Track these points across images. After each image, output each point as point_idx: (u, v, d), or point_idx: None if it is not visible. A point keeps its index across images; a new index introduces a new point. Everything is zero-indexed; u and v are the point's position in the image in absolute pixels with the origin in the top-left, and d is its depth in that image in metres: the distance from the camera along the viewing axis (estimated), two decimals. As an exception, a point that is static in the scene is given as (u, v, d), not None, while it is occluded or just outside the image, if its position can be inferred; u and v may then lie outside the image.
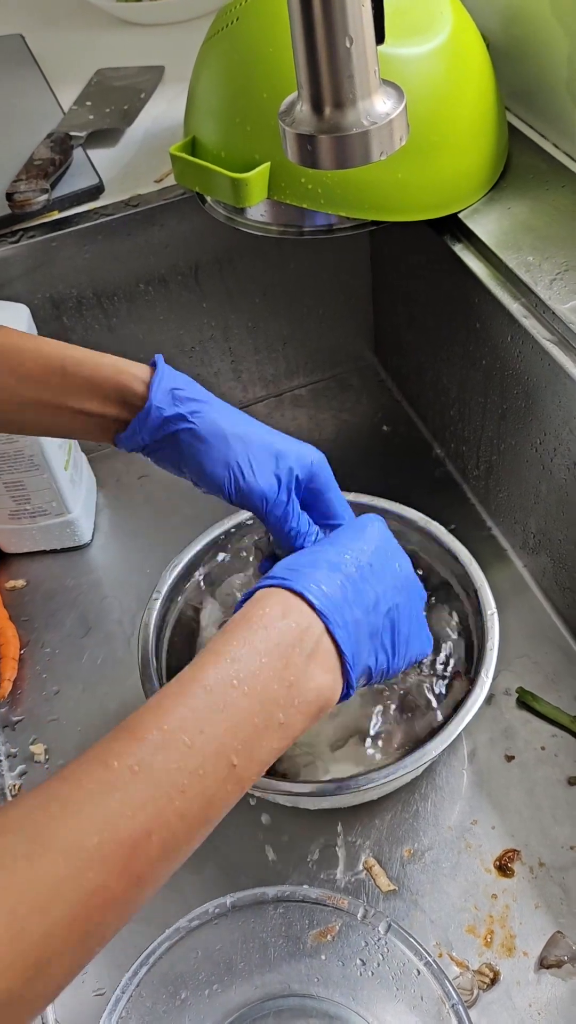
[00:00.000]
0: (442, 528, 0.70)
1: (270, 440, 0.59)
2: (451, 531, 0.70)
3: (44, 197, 0.79)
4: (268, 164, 0.68)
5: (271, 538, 0.62)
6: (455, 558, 0.69)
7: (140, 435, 0.57)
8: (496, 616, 0.65)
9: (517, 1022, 0.58)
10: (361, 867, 0.65)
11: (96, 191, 0.84)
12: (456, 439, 0.88)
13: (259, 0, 0.68)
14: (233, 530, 0.73)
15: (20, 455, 0.78)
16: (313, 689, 0.46)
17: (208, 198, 0.76)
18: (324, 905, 0.55)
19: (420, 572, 0.63)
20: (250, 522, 0.73)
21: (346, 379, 1.02)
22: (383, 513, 0.68)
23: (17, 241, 0.80)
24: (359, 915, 0.54)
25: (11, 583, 0.86)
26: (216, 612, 0.71)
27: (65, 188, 0.83)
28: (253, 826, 0.68)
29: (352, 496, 0.68)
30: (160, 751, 0.41)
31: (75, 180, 0.84)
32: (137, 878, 0.39)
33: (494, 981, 0.59)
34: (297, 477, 0.59)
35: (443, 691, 0.66)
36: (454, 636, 0.68)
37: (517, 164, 0.77)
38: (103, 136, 0.90)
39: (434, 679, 0.66)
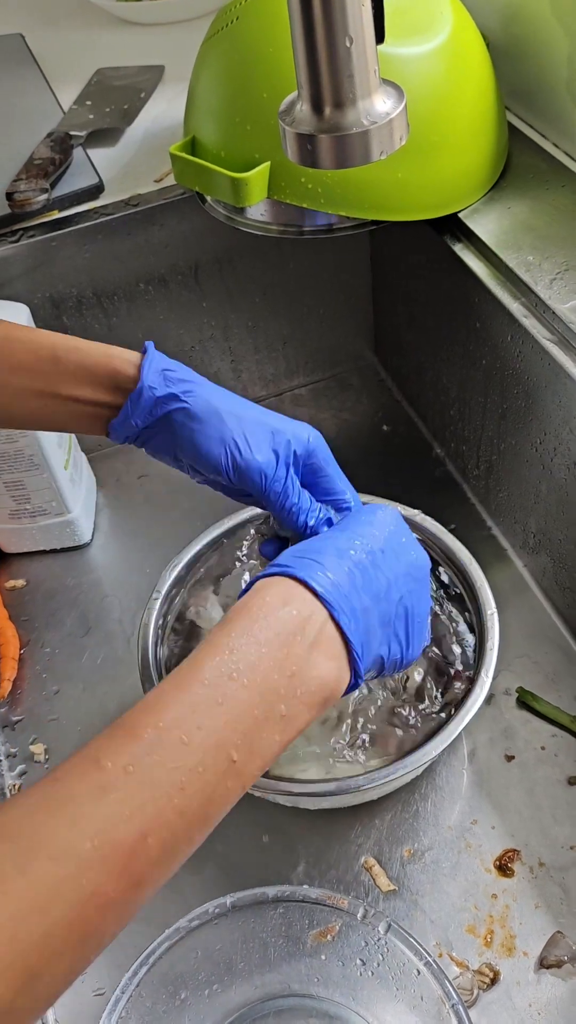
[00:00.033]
0: (442, 528, 0.70)
1: (265, 418, 0.58)
2: (451, 531, 0.70)
3: (44, 196, 0.79)
4: (268, 164, 0.68)
5: (271, 521, 0.61)
6: (455, 558, 0.69)
7: (133, 418, 0.57)
8: (496, 616, 0.65)
9: (517, 1022, 0.58)
10: (361, 867, 0.65)
11: (96, 191, 0.84)
12: (456, 439, 0.88)
13: (259, 0, 0.68)
14: (233, 529, 0.73)
15: (20, 454, 0.78)
16: (316, 678, 0.45)
17: (208, 198, 0.76)
18: (324, 905, 0.55)
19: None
20: (250, 521, 0.73)
21: (346, 379, 1.02)
22: None
23: (17, 241, 0.80)
24: (359, 915, 0.54)
25: (11, 583, 0.86)
26: (216, 611, 0.71)
27: (65, 188, 0.83)
28: (253, 826, 0.68)
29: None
30: (155, 749, 0.40)
31: (75, 180, 0.84)
32: (135, 881, 0.38)
33: (494, 981, 0.59)
34: (295, 453, 0.58)
35: (443, 691, 0.66)
36: (454, 636, 0.68)
37: (517, 164, 0.77)
38: (103, 136, 0.90)
39: (434, 679, 0.66)
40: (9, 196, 0.79)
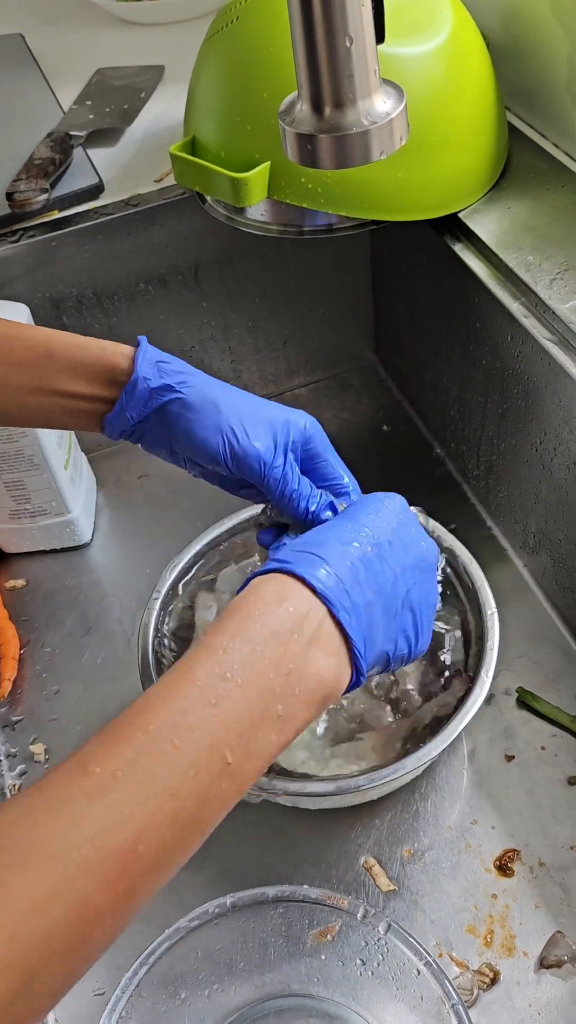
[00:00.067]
0: (442, 527, 0.70)
1: (261, 406, 0.58)
2: (451, 531, 0.70)
3: (44, 196, 0.79)
4: (268, 164, 0.68)
5: (268, 510, 0.61)
6: (455, 558, 0.69)
7: (128, 411, 0.56)
8: (496, 616, 0.65)
9: (517, 1022, 0.58)
10: (361, 867, 0.65)
11: (96, 191, 0.84)
12: (456, 439, 0.88)
13: (259, 0, 0.68)
14: (233, 530, 0.73)
15: (20, 454, 0.78)
16: (315, 676, 0.44)
17: (208, 198, 0.76)
18: (324, 905, 0.55)
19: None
20: (250, 520, 0.73)
21: (346, 379, 1.02)
22: None
23: (17, 241, 0.80)
24: (359, 915, 0.54)
25: (11, 583, 0.86)
26: (216, 611, 0.71)
27: (65, 188, 0.83)
28: (253, 826, 0.68)
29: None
30: (145, 752, 0.38)
31: (75, 180, 0.84)
32: (126, 891, 0.36)
33: (494, 981, 0.59)
34: (293, 439, 0.57)
35: (443, 691, 0.65)
36: (454, 636, 0.68)
37: (517, 164, 0.77)
38: (103, 136, 0.90)
39: (434, 679, 0.66)
40: (9, 196, 0.79)
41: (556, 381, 0.66)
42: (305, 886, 0.56)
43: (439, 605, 0.68)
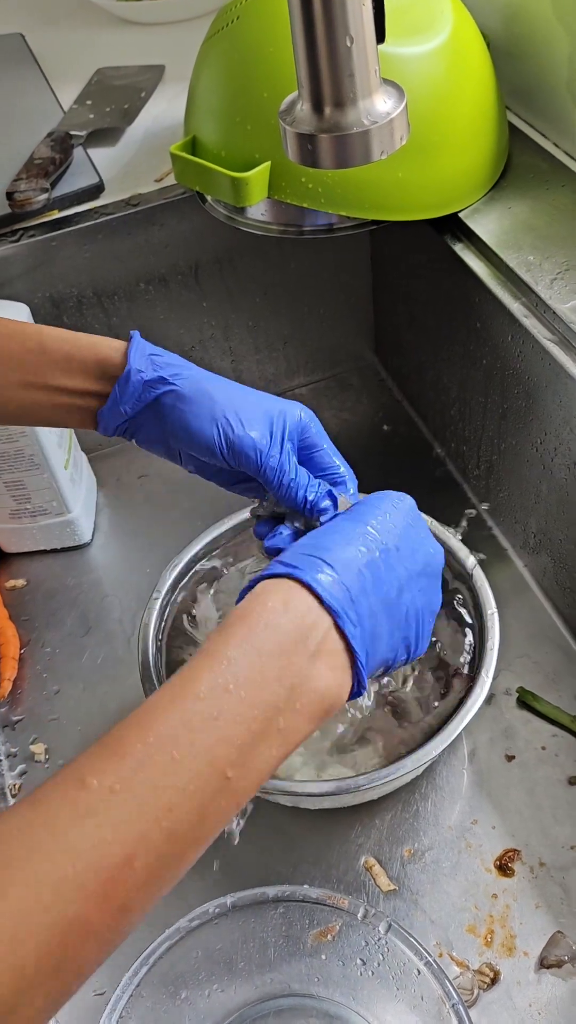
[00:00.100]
0: (442, 527, 0.70)
1: (256, 396, 0.57)
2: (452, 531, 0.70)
3: (44, 196, 0.79)
4: (268, 163, 0.68)
5: (265, 502, 0.60)
6: (455, 557, 0.69)
7: (122, 405, 0.56)
8: (496, 616, 0.65)
9: (517, 1022, 0.58)
10: (361, 867, 0.65)
11: (96, 190, 0.84)
12: (456, 439, 0.88)
13: (259, 0, 0.68)
14: (234, 529, 0.73)
15: (20, 454, 0.78)
16: (317, 690, 0.43)
17: (208, 197, 0.76)
18: (324, 905, 0.55)
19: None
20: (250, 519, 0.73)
21: (346, 379, 1.02)
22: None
23: (17, 240, 0.80)
24: (359, 915, 0.54)
25: (11, 582, 0.86)
26: (215, 611, 0.71)
27: (65, 187, 0.83)
28: (253, 826, 0.67)
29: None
30: (143, 767, 0.38)
31: (75, 179, 0.84)
32: (119, 907, 0.36)
33: (494, 981, 0.59)
34: (289, 429, 0.57)
35: (443, 691, 0.66)
36: (454, 636, 0.68)
37: (517, 163, 0.77)
38: (103, 135, 0.90)
39: (434, 679, 0.66)
40: (9, 196, 0.79)
41: (556, 381, 0.66)
42: (305, 886, 0.56)
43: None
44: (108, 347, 0.57)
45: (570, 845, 0.65)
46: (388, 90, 0.43)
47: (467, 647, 0.67)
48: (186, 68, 0.75)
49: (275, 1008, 0.58)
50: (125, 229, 0.83)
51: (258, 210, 0.73)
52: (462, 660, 0.66)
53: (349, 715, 0.65)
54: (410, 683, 0.66)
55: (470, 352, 0.79)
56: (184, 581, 0.72)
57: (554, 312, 0.65)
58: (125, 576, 0.86)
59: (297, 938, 0.57)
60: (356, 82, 0.41)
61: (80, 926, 0.34)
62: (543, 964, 0.60)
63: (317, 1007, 0.58)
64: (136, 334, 0.58)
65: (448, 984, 0.51)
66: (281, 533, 0.58)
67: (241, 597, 0.47)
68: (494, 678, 0.62)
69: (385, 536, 0.49)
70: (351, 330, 1.01)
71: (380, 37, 0.41)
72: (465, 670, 0.66)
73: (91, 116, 0.91)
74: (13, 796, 0.71)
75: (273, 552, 0.58)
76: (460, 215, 0.73)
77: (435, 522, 0.70)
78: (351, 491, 0.59)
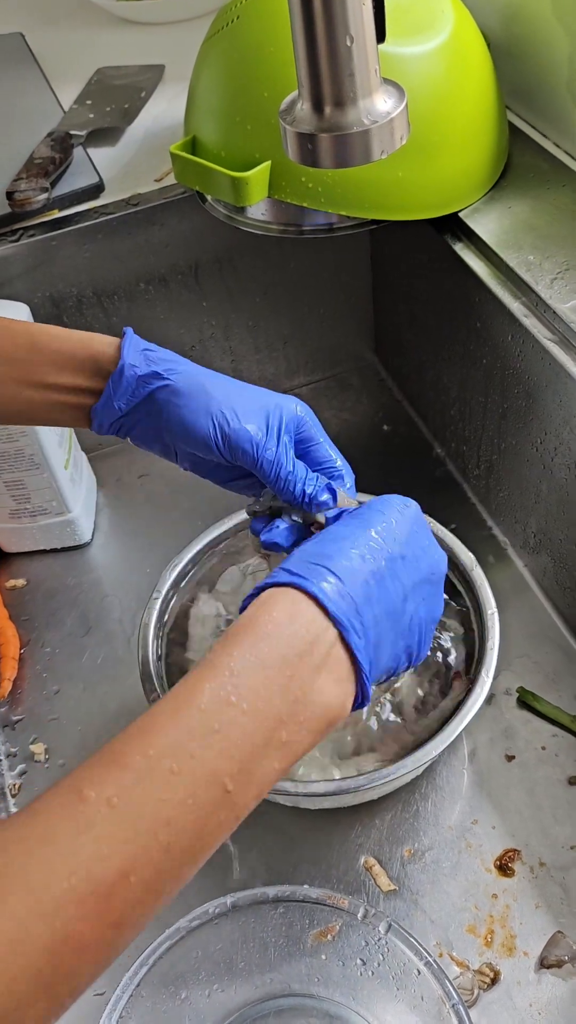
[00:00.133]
0: (442, 527, 0.70)
1: (251, 390, 0.57)
2: (451, 531, 0.70)
3: (44, 196, 0.79)
4: (268, 163, 0.68)
5: (262, 498, 0.60)
6: (455, 557, 0.69)
7: (116, 400, 0.55)
8: (496, 616, 0.65)
9: (518, 1022, 0.58)
10: (361, 867, 0.65)
11: (96, 190, 0.84)
12: (457, 438, 0.88)
13: (259, -1, 0.68)
14: (234, 529, 0.73)
15: (20, 454, 0.78)
16: (321, 704, 0.43)
17: (208, 197, 0.76)
18: (324, 905, 0.55)
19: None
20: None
21: (346, 378, 1.02)
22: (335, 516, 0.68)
23: (17, 240, 0.80)
24: (359, 915, 0.54)
25: (11, 582, 0.86)
26: (216, 611, 0.71)
27: (65, 187, 0.83)
28: (253, 826, 0.67)
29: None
30: (143, 779, 0.37)
31: (75, 179, 0.84)
32: (114, 923, 0.35)
33: (494, 981, 0.59)
34: (285, 422, 0.56)
35: (443, 691, 0.65)
36: (454, 636, 0.68)
37: (518, 163, 0.77)
38: (103, 135, 0.90)
39: (434, 679, 0.66)
40: (9, 195, 0.79)
41: (557, 381, 0.66)
42: (305, 886, 0.56)
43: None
44: (101, 343, 0.56)
45: (570, 845, 0.65)
46: (388, 90, 0.43)
47: (467, 647, 0.67)
48: (186, 68, 0.75)
49: (275, 1008, 0.58)
50: (125, 229, 0.83)
51: (258, 210, 0.73)
52: (462, 660, 0.66)
53: (353, 727, 0.65)
54: (411, 683, 0.66)
55: (470, 352, 0.79)
56: (184, 581, 0.72)
57: (554, 312, 0.65)
58: (125, 576, 0.86)
59: (297, 938, 0.57)
60: (356, 82, 0.41)
61: (75, 942, 0.34)
62: (543, 964, 0.60)
63: (317, 1007, 0.58)
64: (129, 330, 0.57)
65: (448, 984, 0.51)
66: (278, 527, 0.58)
67: (245, 604, 0.46)
68: (494, 678, 0.62)
69: (391, 544, 0.49)
70: (351, 330, 1.01)
71: (380, 37, 0.41)
72: (466, 670, 0.66)
73: (91, 116, 0.91)
74: (13, 796, 0.71)
75: (270, 546, 0.58)
76: (460, 215, 0.73)
77: (433, 521, 0.70)
78: (348, 485, 0.59)
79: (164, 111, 0.94)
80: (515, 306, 0.69)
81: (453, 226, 0.74)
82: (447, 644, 0.67)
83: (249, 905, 0.55)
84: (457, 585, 0.69)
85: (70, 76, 0.98)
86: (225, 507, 0.73)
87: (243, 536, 0.74)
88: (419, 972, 0.52)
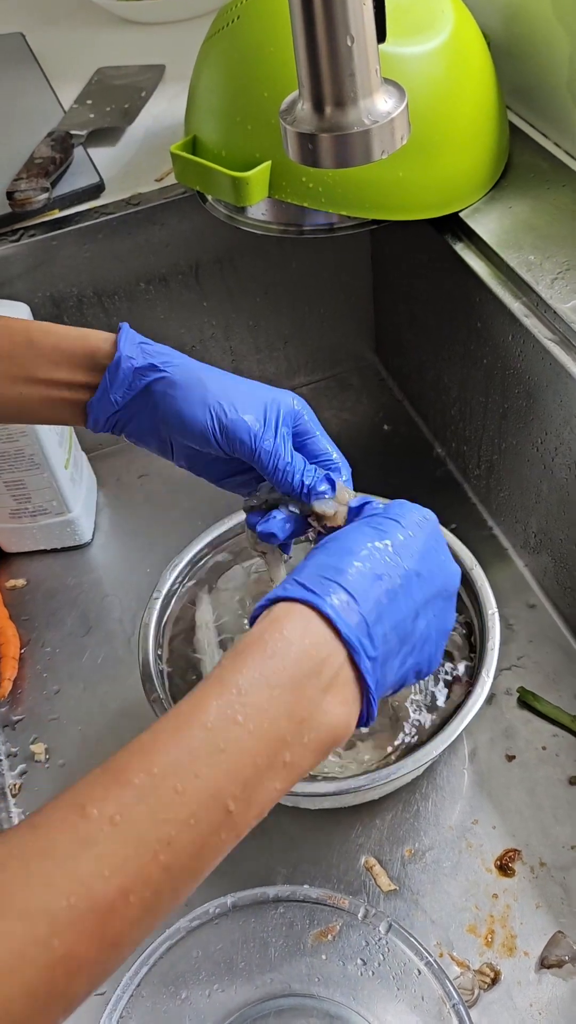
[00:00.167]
0: (443, 527, 0.70)
1: (248, 384, 0.57)
2: (452, 531, 0.70)
3: (44, 196, 0.79)
4: (269, 163, 0.68)
5: (258, 492, 0.60)
6: (456, 557, 0.68)
7: (112, 393, 0.55)
8: (497, 616, 0.65)
9: (518, 1022, 0.58)
10: (362, 867, 0.65)
11: (96, 190, 0.84)
12: (457, 438, 0.88)
13: (260, -1, 0.68)
14: (234, 529, 0.73)
15: (20, 454, 0.78)
16: (326, 724, 0.42)
17: (209, 197, 0.76)
18: (325, 905, 0.55)
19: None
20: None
21: (347, 378, 1.02)
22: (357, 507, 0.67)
23: (17, 240, 0.80)
24: (360, 915, 0.54)
25: (11, 582, 0.86)
26: (210, 610, 0.71)
27: (65, 187, 0.83)
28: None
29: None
30: (146, 798, 0.37)
31: (75, 179, 0.84)
32: (111, 943, 0.35)
33: (495, 981, 0.59)
34: (282, 415, 0.56)
35: (444, 691, 0.65)
36: (454, 636, 0.68)
37: (518, 163, 0.77)
38: (104, 135, 0.90)
39: (435, 679, 0.66)
40: (10, 195, 0.79)
41: (557, 381, 0.66)
42: (306, 886, 0.56)
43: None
44: (97, 338, 0.56)
45: (570, 845, 0.65)
46: (389, 89, 0.43)
47: (468, 648, 0.67)
48: (186, 68, 0.75)
49: (275, 1008, 0.58)
50: (125, 229, 0.83)
51: (258, 210, 0.73)
52: (462, 661, 0.66)
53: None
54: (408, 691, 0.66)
55: (471, 352, 0.79)
56: (184, 581, 0.72)
57: (555, 312, 0.65)
58: (125, 576, 0.86)
59: (297, 938, 0.57)
60: (357, 81, 0.41)
61: (72, 962, 0.34)
62: (544, 964, 0.60)
63: (318, 1007, 0.58)
64: (125, 325, 0.57)
65: (449, 984, 0.51)
66: (275, 517, 0.57)
67: (256, 614, 0.45)
68: (495, 678, 0.62)
69: (406, 560, 0.48)
70: (351, 330, 1.01)
71: (381, 36, 0.41)
72: (466, 671, 0.66)
73: (91, 116, 0.91)
74: (13, 796, 0.71)
75: (266, 536, 0.57)
76: (461, 215, 0.73)
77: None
78: (344, 478, 0.59)
79: (164, 111, 0.94)
80: (515, 306, 0.69)
81: (453, 226, 0.74)
82: (448, 644, 0.67)
83: (249, 905, 0.55)
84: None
85: (70, 76, 0.98)
86: (225, 507, 0.73)
87: (244, 535, 0.73)
88: (419, 972, 0.52)
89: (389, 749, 0.63)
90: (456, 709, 0.61)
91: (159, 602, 0.69)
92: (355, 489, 0.60)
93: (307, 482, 0.56)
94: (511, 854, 0.64)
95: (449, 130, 0.69)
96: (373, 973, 0.56)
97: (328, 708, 0.42)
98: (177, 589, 0.71)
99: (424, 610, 0.48)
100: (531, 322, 0.67)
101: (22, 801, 0.71)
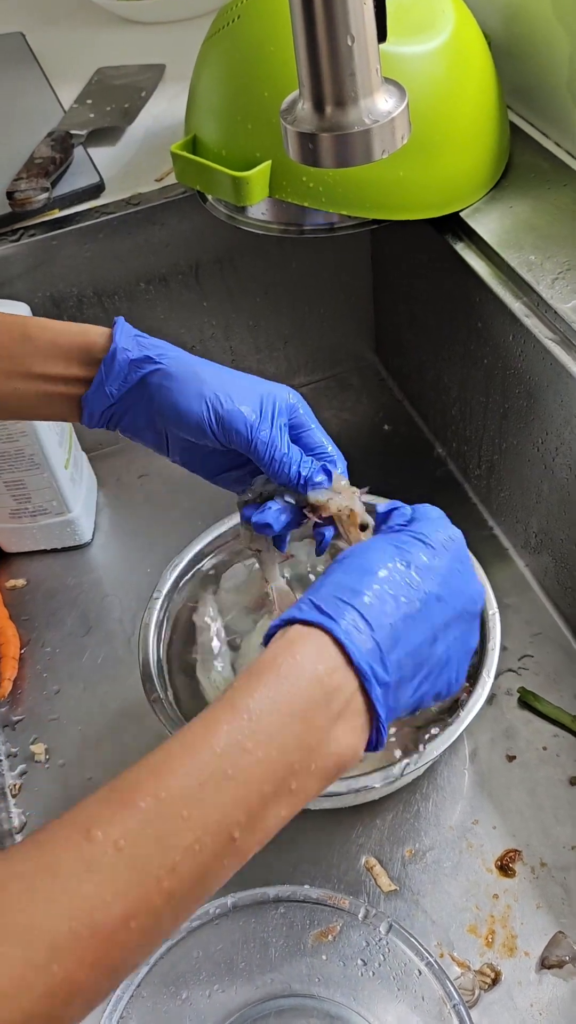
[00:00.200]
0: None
1: (244, 378, 0.57)
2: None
3: (45, 196, 0.79)
4: (269, 162, 0.68)
5: (253, 485, 0.60)
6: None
7: (108, 385, 0.55)
8: (498, 616, 0.65)
9: (518, 1022, 0.58)
10: (362, 867, 0.65)
11: (97, 190, 0.84)
12: (457, 438, 0.88)
13: (260, -2, 0.68)
14: (234, 529, 0.73)
15: (21, 454, 0.78)
16: (335, 753, 0.42)
17: (209, 197, 0.76)
18: (325, 905, 0.55)
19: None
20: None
21: (347, 378, 1.02)
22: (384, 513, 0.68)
23: (18, 240, 0.80)
24: (360, 915, 0.54)
25: (11, 582, 0.86)
26: (212, 610, 0.71)
27: (66, 187, 0.83)
28: (254, 826, 0.67)
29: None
30: (152, 823, 0.36)
31: (76, 179, 0.84)
32: (110, 969, 0.35)
33: (495, 981, 0.59)
34: (278, 407, 0.56)
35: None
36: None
37: (519, 163, 0.77)
38: (104, 134, 0.90)
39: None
40: (10, 195, 0.79)
41: (558, 381, 0.66)
42: (306, 886, 0.56)
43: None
44: (93, 332, 0.56)
45: (571, 845, 0.65)
46: (389, 89, 0.43)
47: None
48: (187, 67, 0.75)
49: (276, 1008, 0.58)
50: (125, 228, 0.83)
51: (259, 209, 0.73)
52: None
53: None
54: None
55: (471, 352, 0.78)
56: (184, 581, 0.72)
57: (555, 312, 0.65)
58: (125, 576, 0.85)
59: (298, 938, 0.57)
60: (357, 81, 0.41)
61: (69, 987, 0.33)
62: (544, 964, 0.60)
63: (318, 1007, 0.58)
64: (120, 319, 0.57)
65: (449, 984, 0.51)
66: (270, 508, 0.57)
67: (271, 633, 0.45)
68: (495, 678, 0.62)
69: (428, 582, 0.47)
70: (352, 330, 1.01)
71: (381, 36, 0.41)
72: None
73: (91, 115, 0.91)
74: (13, 796, 0.71)
75: (261, 527, 0.57)
76: (461, 214, 0.73)
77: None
78: (339, 470, 0.59)
79: (164, 111, 0.94)
80: (516, 306, 0.69)
81: (454, 226, 0.74)
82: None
83: (250, 905, 0.55)
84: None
85: (70, 76, 0.98)
86: (225, 507, 0.72)
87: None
88: (420, 972, 0.52)
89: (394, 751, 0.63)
90: (456, 709, 0.61)
91: (159, 602, 0.69)
92: (360, 499, 0.59)
93: (304, 473, 0.56)
94: (512, 854, 0.64)
95: (450, 130, 0.69)
96: (373, 973, 0.56)
97: (337, 737, 0.42)
98: (177, 589, 0.71)
99: (444, 633, 0.47)
100: (532, 322, 0.67)
101: (22, 801, 0.71)
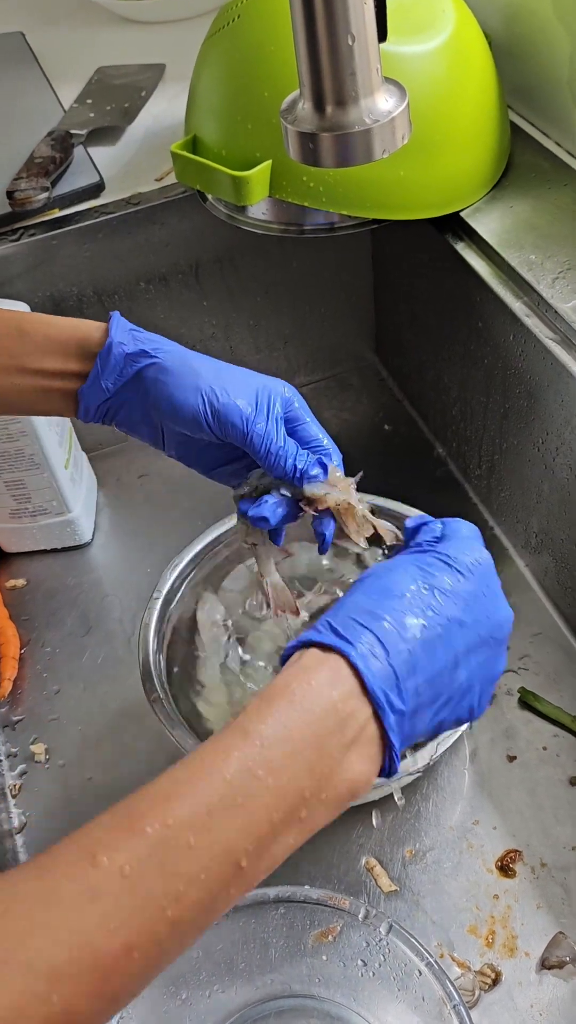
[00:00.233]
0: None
1: (239, 371, 0.57)
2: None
3: (44, 195, 0.79)
4: (269, 162, 0.68)
5: (249, 479, 0.59)
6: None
7: (103, 379, 0.55)
8: (498, 616, 0.65)
9: (519, 1023, 0.58)
10: (362, 867, 0.65)
11: (97, 189, 0.84)
12: (458, 438, 0.88)
13: (260, -2, 0.68)
14: (234, 529, 0.73)
15: (21, 454, 0.78)
16: (347, 781, 0.41)
17: (209, 196, 0.76)
18: (325, 905, 0.55)
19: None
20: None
21: (347, 378, 1.02)
22: (384, 513, 0.68)
23: (17, 239, 0.80)
24: (360, 915, 0.54)
25: (11, 582, 0.86)
26: (217, 611, 0.71)
27: (66, 186, 0.83)
28: (254, 826, 0.67)
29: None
30: (158, 850, 0.36)
31: (76, 178, 0.84)
32: (111, 997, 0.34)
33: (496, 982, 0.59)
34: (273, 401, 0.56)
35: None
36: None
37: (519, 162, 0.77)
38: (104, 134, 0.90)
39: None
40: (10, 195, 0.79)
41: (559, 381, 0.66)
42: (306, 886, 0.56)
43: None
44: (88, 327, 0.56)
45: (571, 846, 0.64)
46: (390, 89, 0.43)
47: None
48: (187, 67, 0.75)
49: (276, 1009, 0.58)
50: (125, 228, 0.83)
51: (259, 209, 0.73)
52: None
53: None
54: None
55: (471, 352, 0.78)
56: (185, 581, 0.72)
57: (556, 311, 0.65)
58: (125, 576, 0.85)
59: (298, 939, 0.57)
60: (358, 81, 0.41)
61: (68, 1017, 0.33)
62: (544, 965, 0.60)
63: (318, 1008, 0.58)
64: (116, 313, 0.57)
65: (449, 985, 0.51)
66: (266, 502, 0.57)
67: (287, 655, 0.44)
68: (495, 678, 0.62)
69: (451, 607, 0.45)
70: (352, 329, 1.01)
71: (382, 36, 0.41)
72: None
73: (91, 115, 0.91)
74: (13, 796, 0.71)
75: (258, 521, 0.57)
76: (462, 214, 0.73)
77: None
78: (335, 462, 0.58)
79: (164, 110, 0.94)
80: (517, 306, 0.69)
81: (454, 225, 0.74)
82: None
83: (250, 905, 0.55)
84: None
85: (70, 75, 0.98)
86: (226, 506, 0.72)
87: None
88: (420, 973, 0.52)
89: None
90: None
91: (159, 602, 0.69)
92: (355, 490, 0.59)
93: (299, 466, 0.56)
94: (512, 855, 0.64)
95: (450, 129, 0.69)
96: (374, 974, 0.55)
97: (349, 765, 0.41)
98: (177, 589, 0.71)
99: (466, 659, 0.46)
100: (532, 322, 0.67)
101: (22, 801, 0.71)
